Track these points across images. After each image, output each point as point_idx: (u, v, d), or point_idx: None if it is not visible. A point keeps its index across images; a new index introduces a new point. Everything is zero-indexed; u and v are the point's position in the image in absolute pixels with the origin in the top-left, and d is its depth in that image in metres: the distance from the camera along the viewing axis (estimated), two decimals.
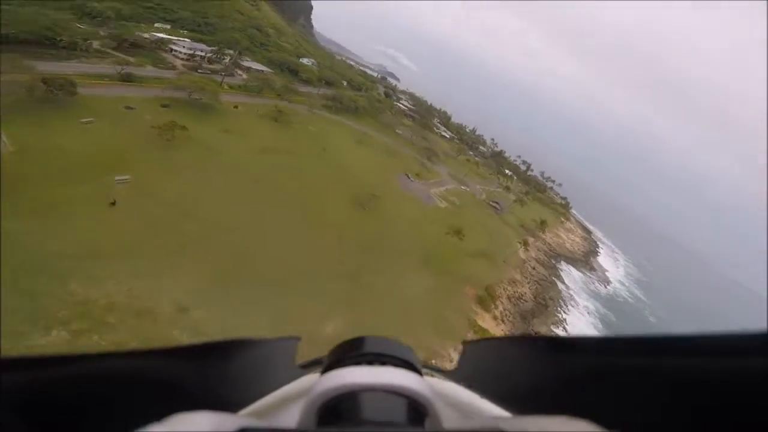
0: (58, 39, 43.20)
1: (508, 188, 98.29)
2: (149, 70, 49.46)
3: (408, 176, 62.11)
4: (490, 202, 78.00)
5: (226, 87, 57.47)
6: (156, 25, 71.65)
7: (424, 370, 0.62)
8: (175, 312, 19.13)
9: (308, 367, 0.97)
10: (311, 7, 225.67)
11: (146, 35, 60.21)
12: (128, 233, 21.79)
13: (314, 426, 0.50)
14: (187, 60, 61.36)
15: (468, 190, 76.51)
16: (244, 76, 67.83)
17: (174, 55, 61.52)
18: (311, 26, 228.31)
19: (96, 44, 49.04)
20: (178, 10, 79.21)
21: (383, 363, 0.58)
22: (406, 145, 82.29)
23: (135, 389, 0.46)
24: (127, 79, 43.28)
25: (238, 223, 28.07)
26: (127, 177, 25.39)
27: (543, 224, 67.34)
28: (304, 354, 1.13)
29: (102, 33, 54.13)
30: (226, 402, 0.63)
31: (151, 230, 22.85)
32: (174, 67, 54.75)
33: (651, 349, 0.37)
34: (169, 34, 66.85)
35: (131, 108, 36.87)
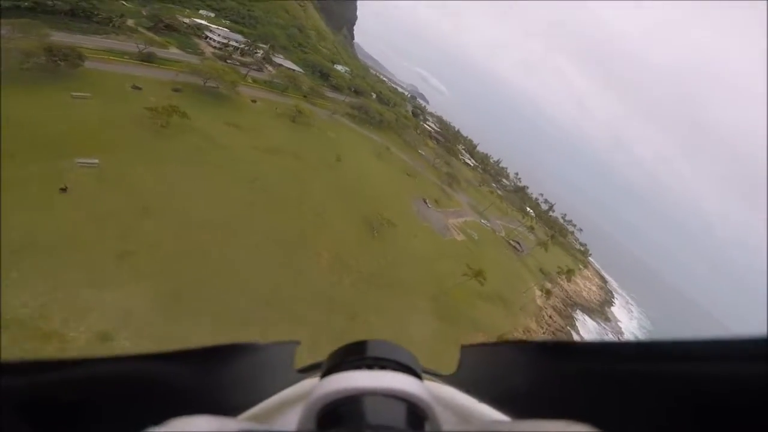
0: (94, 12, 42.31)
1: (532, 228, 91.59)
2: (173, 53, 47.59)
3: (425, 201, 57.25)
4: (511, 241, 71.82)
5: (250, 80, 55.32)
6: (201, 11, 71.77)
7: (423, 375, 0.62)
8: (93, 340, 14.65)
9: (307, 371, 0.95)
10: (356, 19, 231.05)
11: (186, 20, 59.47)
12: (69, 227, 17.74)
13: (314, 430, 0.49)
14: (219, 49, 59.94)
15: (488, 225, 70.75)
16: (273, 72, 65.99)
17: (207, 42, 60.33)
18: (352, 37, 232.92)
19: (130, 22, 48.01)
20: None
21: (383, 367, 0.57)
22: (428, 167, 77.96)
23: (135, 393, 0.46)
24: (147, 59, 41.23)
25: (215, 229, 23.66)
26: (94, 160, 21.68)
27: (569, 273, 60.78)
28: None
29: (144, 12, 53.73)
30: (225, 406, 0.63)
31: (99, 226, 18.74)
32: (202, 54, 53.04)
33: (651, 353, 0.37)
34: (210, 22, 66.26)
35: (138, 88, 34.21)
